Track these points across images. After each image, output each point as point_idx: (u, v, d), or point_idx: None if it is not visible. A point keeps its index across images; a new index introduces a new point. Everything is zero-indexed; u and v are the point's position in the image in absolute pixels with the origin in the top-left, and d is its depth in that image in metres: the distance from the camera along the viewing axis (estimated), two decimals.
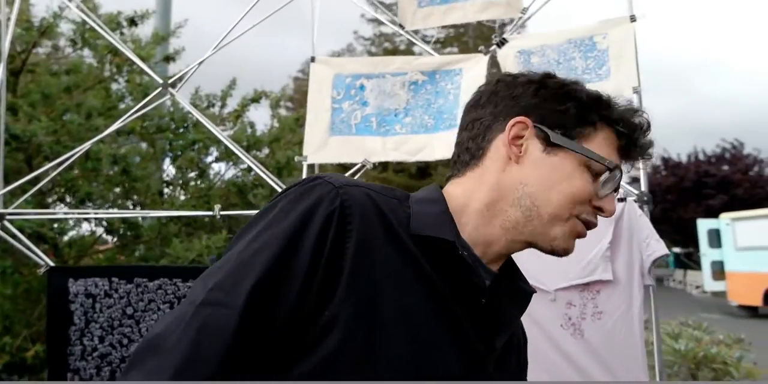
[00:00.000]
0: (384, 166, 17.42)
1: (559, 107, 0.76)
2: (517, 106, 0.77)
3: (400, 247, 0.68)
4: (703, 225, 15.10)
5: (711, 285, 15.11)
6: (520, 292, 0.82)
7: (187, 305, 0.61)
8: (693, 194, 22.47)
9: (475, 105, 0.82)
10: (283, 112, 5.67)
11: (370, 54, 23.07)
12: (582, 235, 0.78)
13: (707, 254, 14.96)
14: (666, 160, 24.65)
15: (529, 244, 0.77)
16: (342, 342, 0.61)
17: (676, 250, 30.52)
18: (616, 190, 0.79)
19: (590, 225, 0.77)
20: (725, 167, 22.95)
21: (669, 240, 29.66)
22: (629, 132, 0.77)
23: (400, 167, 21.77)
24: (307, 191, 0.67)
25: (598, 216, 0.78)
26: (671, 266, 30.79)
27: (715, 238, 14.48)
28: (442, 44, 23.22)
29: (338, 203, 0.65)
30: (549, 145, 0.75)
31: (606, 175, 0.75)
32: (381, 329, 0.64)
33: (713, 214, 16.51)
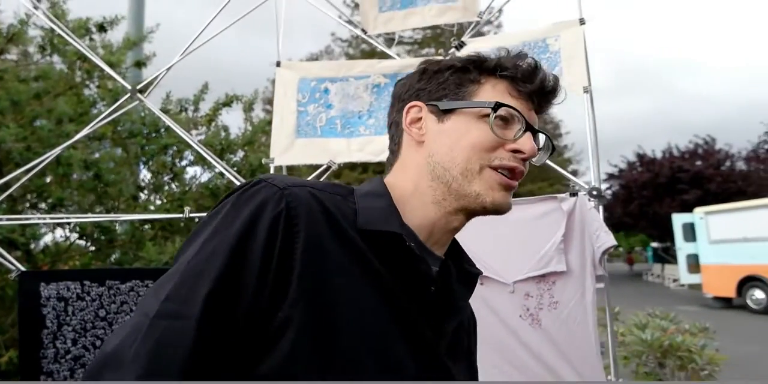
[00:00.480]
0: (364, 167, 17.46)
1: (440, 80, 0.81)
2: (409, 95, 0.83)
3: (347, 244, 0.68)
4: (678, 219, 15.35)
5: (687, 278, 15.36)
6: (467, 274, 0.84)
7: (141, 317, 0.59)
8: (668, 189, 22.89)
9: (390, 111, 0.89)
10: (261, 114, 5.70)
11: (348, 56, 23.12)
12: (507, 185, 0.77)
13: (682, 248, 15.22)
14: (641, 157, 25.09)
15: (465, 212, 0.78)
16: (296, 342, 0.61)
17: (654, 244, 31.05)
18: (531, 130, 0.79)
19: (515, 170, 0.78)
20: (698, 163, 23.42)
21: (646, 235, 30.17)
22: (511, 72, 0.78)
23: (380, 168, 21.87)
24: (251, 195, 0.66)
25: (526, 164, 0.79)
26: (650, 261, 31.30)
27: (690, 231, 14.73)
28: (419, 45, 23.40)
29: (283, 205, 0.65)
30: (442, 114, 0.79)
31: (497, 115, 0.76)
32: (333, 327, 0.64)
33: (688, 208, 16.82)
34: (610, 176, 26.55)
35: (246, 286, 0.61)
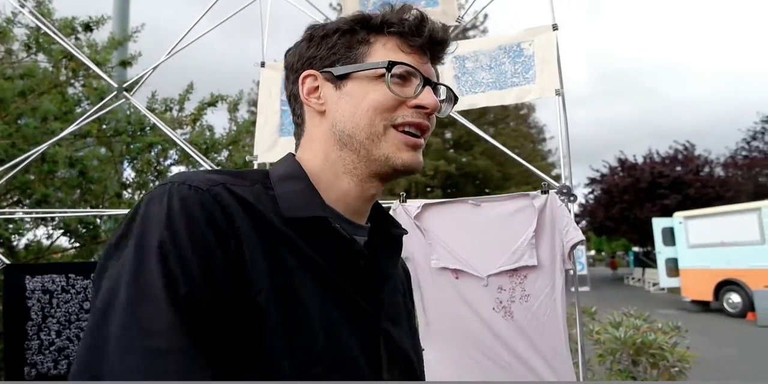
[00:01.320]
0: None
1: (329, 45, 0.78)
2: (302, 65, 0.80)
3: (275, 236, 0.67)
4: (658, 223, 15.57)
5: (666, 281, 15.58)
6: (393, 238, 0.84)
7: (130, 358, 0.53)
8: (648, 194, 23.26)
9: (285, 85, 0.85)
10: (246, 116, 5.75)
11: None
12: (414, 144, 0.77)
13: (662, 252, 15.43)
14: (623, 162, 25.47)
15: (378, 177, 0.78)
16: (256, 340, 0.61)
17: (635, 249, 31.48)
18: (429, 84, 0.78)
19: (421, 126, 0.77)
20: (678, 168, 23.84)
21: (628, 239, 30.59)
22: (398, 28, 0.76)
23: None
24: (174, 199, 0.62)
25: (431, 118, 0.79)
26: (631, 265, 31.70)
27: (669, 236, 14.96)
28: None
29: (202, 213, 0.61)
30: (338, 80, 0.77)
31: (393, 74, 0.75)
32: (286, 324, 0.63)
33: (668, 213, 17.08)
34: (592, 181, 26.90)
35: (204, 303, 0.58)
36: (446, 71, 2.59)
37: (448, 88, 0.85)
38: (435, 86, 0.80)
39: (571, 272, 2.26)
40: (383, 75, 0.75)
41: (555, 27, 2.42)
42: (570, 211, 2.22)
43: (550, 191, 2.22)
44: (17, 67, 3.92)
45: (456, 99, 0.87)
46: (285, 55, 0.85)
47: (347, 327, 0.70)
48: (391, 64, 0.74)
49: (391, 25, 0.76)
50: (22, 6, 2.84)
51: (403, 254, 2.36)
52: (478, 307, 2.28)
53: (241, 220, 0.64)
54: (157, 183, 4.33)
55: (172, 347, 0.55)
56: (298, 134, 0.83)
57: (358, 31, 0.77)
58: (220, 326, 0.59)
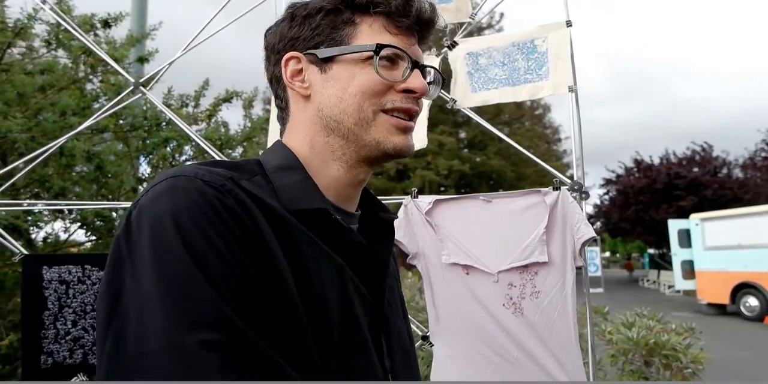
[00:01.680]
0: None
1: (313, 25, 0.75)
2: (284, 46, 0.77)
3: (289, 228, 0.66)
4: (674, 225, 15.44)
5: (682, 284, 15.44)
6: (384, 223, 0.83)
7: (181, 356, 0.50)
8: (665, 196, 23.02)
9: (266, 66, 0.82)
10: (260, 113, 5.80)
11: None
12: (405, 127, 0.75)
13: (678, 254, 15.30)
14: (639, 163, 25.22)
15: (367, 161, 0.76)
16: (288, 326, 0.61)
17: (651, 250, 31.18)
18: (418, 67, 0.76)
19: (410, 111, 0.75)
20: (695, 169, 23.55)
21: (643, 241, 30.28)
22: (384, 8, 0.74)
23: (379, 170, 21.99)
24: (188, 192, 0.58)
25: (420, 102, 0.77)
26: (646, 267, 31.42)
27: (685, 238, 14.82)
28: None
29: (225, 208, 0.59)
30: (323, 63, 0.74)
31: (381, 57, 0.72)
32: (311, 312, 0.63)
33: (684, 215, 16.90)
34: (608, 181, 26.67)
35: (249, 293, 0.57)
36: (459, 67, 2.59)
37: (436, 70, 0.83)
38: (423, 68, 0.78)
39: (583, 269, 2.25)
40: (371, 58, 0.72)
41: (569, 23, 2.41)
42: (582, 209, 2.21)
43: (562, 188, 2.21)
44: (37, 63, 3.99)
45: (443, 81, 0.85)
46: (265, 35, 0.81)
47: (360, 314, 0.70)
48: (379, 47, 0.72)
49: (377, 4, 0.74)
50: (44, 2, 2.89)
51: (414, 249, 2.38)
52: (488, 303, 2.28)
53: (259, 217, 0.62)
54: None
55: (222, 339, 0.52)
56: (283, 118, 0.81)
57: (342, 10, 0.74)
58: (261, 316, 0.57)
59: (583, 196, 2.25)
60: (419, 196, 2.44)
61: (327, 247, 0.69)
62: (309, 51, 0.75)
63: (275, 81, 0.80)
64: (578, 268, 2.20)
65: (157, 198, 0.58)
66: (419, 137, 2.44)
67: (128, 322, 0.52)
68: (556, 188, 2.22)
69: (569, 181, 2.24)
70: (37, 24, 3.83)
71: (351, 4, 0.74)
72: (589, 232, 2.12)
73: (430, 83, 0.83)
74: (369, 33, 0.74)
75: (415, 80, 0.74)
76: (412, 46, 0.76)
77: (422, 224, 2.39)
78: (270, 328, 0.58)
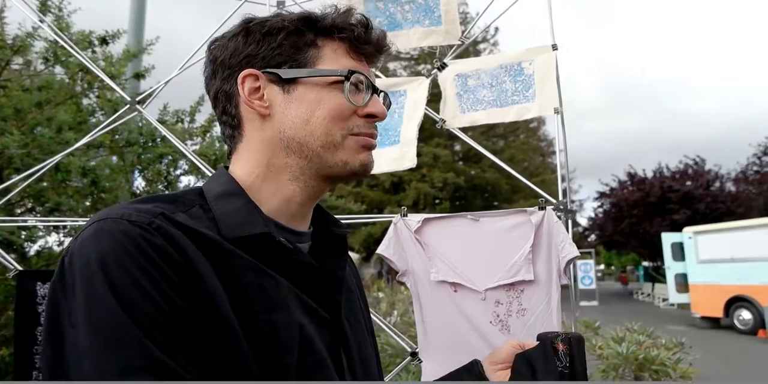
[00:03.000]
0: (358, 181, 17.64)
1: (273, 44, 0.74)
2: (238, 62, 0.75)
3: (227, 257, 0.65)
4: (667, 238, 15.47)
5: (675, 297, 15.44)
6: (337, 238, 0.83)
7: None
8: (658, 209, 23.14)
9: (208, 79, 0.80)
10: None
11: None
12: (369, 145, 0.77)
13: (671, 267, 15.32)
14: (632, 176, 25.38)
15: (330, 180, 0.77)
16: (227, 357, 0.60)
17: (645, 263, 31.21)
18: (377, 91, 0.78)
19: (372, 137, 0.77)
20: (688, 183, 23.71)
21: (637, 254, 30.35)
22: (348, 33, 0.75)
23: (374, 182, 22.05)
24: (111, 238, 0.58)
25: (376, 125, 0.78)
26: (641, 280, 31.41)
27: (679, 251, 14.85)
28: (416, 61, 23.74)
29: (151, 247, 0.58)
30: (285, 83, 0.74)
31: (350, 83, 0.74)
32: (257, 340, 0.63)
33: (677, 228, 16.97)
34: (602, 194, 26.79)
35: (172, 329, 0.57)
36: (448, 88, 2.66)
37: (386, 95, 0.85)
38: (379, 93, 0.80)
39: (569, 286, 2.29)
40: (338, 82, 0.74)
41: (555, 47, 2.49)
42: (569, 229, 2.26)
43: (547, 208, 2.27)
44: (35, 79, 4.05)
45: (390, 104, 0.87)
46: (209, 47, 0.79)
47: (315, 333, 0.70)
48: (350, 73, 0.74)
49: (341, 30, 0.75)
50: (42, 21, 2.95)
51: (404, 267, 2.43)
52: (476, 321, 2.32)
53: (190, 249, 0.61)
54: (167, 193, 4.41)
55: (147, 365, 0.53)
56: (233, 137, 0.79)
57: (305, 32, 0.75)
58: (195, 350, 0.58)
59: (569, 215, 2.30)
60: (409, 215, 2.48)
61: (272, 271, 0.68)
62: (269, 70, 0.74)
63: (223, 97, 0.77)
64: (564, 286, 2.25)
65: (84, 243, 0.58)
66: (408, 157, 2.50)
67: (69, 372, 0.54)
68: (542, 208, 2.27)
69: (554, 201, 2.30)
70: (36, 40, 3.89)
71: (314, 27, 0.75)
72: (573, 251, 2.17)
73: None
74: (333, 57, 0.75)
75: (376, 105, 0.77)
76: (369, 71, 0.79)
77: (411, 242, 2.43)
78: (207, 359, 0.58)
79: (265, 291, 0.66)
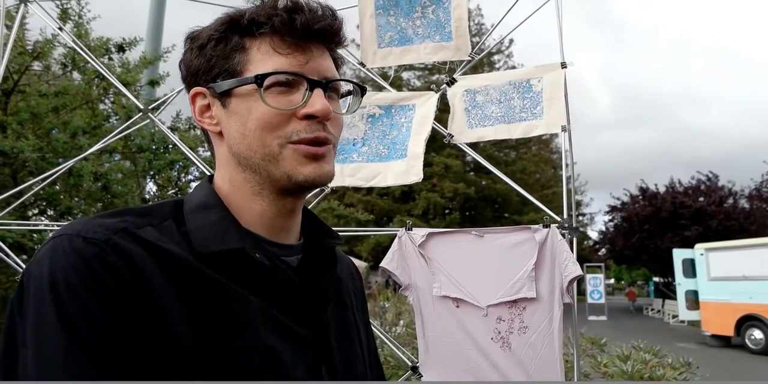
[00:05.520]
0: (368, 190, 17.68)
1: (206, 56, 0.70)
2: (189, 80, 0.72)
3: (190, 277, 0.61)
4: (678, 255, 15.32)
5: (686, 314, 15.26)
6: (326, 250, 0.78)
7: None
8: (670, 224, 22.89)
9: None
10: None
11: None
12: (314, 154, 0.68)
13: (682, 283, 15.15)
14: (644, 191, 25.17)
15: (290, 193, 0.71)
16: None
17: (656, 279, 30.86)
18: (319, 85, 0.68)
19: (318, 140, 0.68)
20: (701, 199, 23.46)
21: (648, 269, 30.02)
22: (266, 27, 0.67)
23: (384, 191, 22.07)
24: (63, 255, 0.56)
25: (326, 126, 0.69)
26: (651, 296, 31.06)
27: (690, 267, 14.70)
28: (429, 71, 23.81)
29: (102, 266, 0.56)
30: (222, 97, 0.69)
31: (272, 85, 0.67)
32: (214, 364, 0.59)
33: (689, 244, 16.78)
34: (613, 208, 26.58)
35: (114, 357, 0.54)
36: (457, 103, 2.67)
37: (353, 82, 0.75)
38: (327, 85, 0.70)
39: (572, 305, 2.29)
40: (259, 89, 0.66)
41: (564, 65, 2.50)
42: (573, 248, 2.26)
43: (552, 226, 2.27)
44: (52, 85, 4.12)
45: (364, 90, 0.77)
46: (179, 67, 0.75)
47: (290, 355, 0.66)
48: (260, 78, 0.66)
49: (259, 25, 0.67)
50: (61, 29, 3.02)
51: (407, 281, 2.43)
52: (477, 337, 2.32)
53: (149, 267, 0.58)
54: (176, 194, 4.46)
55: None
56: (211, 152, 0.76)
57: (230, 37, 0.69)
58: (138, 373, 0.55)
59: (573, 234, 2.30)
60: (413, 229, 2.49)
61: (245, 290, 0.64)
62: (209, 85, 0.70)
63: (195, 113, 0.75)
64: (566, 304, 2.24)
65: (39, 261, 0.57)
66: (415, 171, 2.51)
67: None
68: (546, 225, 2.27)
69: (559, 219, 2.30)
70: (55, 47, 3.97)
71: (237, 29, 0.69)
72: (576, 270, 2.16)
73: (348, 94, 0.76)
74: (259, 58, 0.67)
75: (316, 103, 0.67)
76: (310, 63, 0.69)
77: (415, 256, 2.44)
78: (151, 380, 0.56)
79: (230, 313, 0.62)
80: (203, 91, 0.71)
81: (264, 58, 0.67)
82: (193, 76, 0.71)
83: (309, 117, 0.67)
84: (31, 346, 0.54)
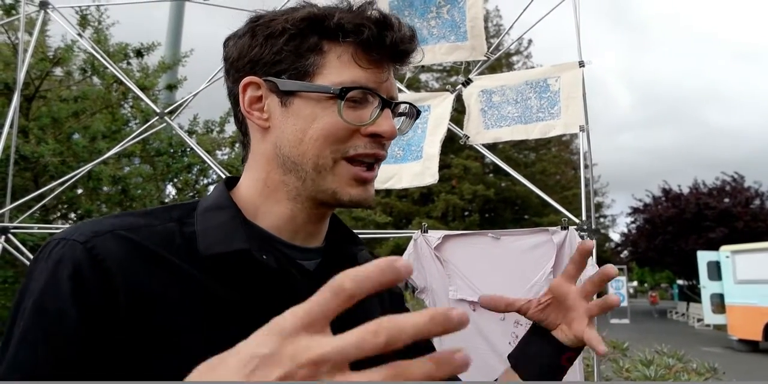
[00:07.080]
0: (387, 191, 17.65)
1: (275, 48, 0.66)
2: (243, 65, 0.69)
3: (178, 280, 0.60)
4: (703, 257, 15.03)
5: (711, 318, 14.94)
6: (350, 257, 0.74)
7: None
8: (694, 226, 22.46)
9: (225, 77, 0.73)
10: None
11: None
12: (364, 179, 0.68)
13: (707, 287, 14.84)
14: (667, 192, 24.75)
15: (326, 206, 0.70)
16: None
17: (680, 282, 30.28)
18: (389, 106, 0.67)
19: (376, 156, 0.68)
20: (726, 200, 22.98)
21: (672, 271, 29.45)
22: (355, 36, 0.64)
23: (403, 193, 22.03)
24: (47, 258, 0.57)
25: (385, 145, 0.68)
26: (675, 298, 30.48)
27: (715, 270, 14.40)
28: (448, 72, 23.75)
29: (86, 261, 0.56)
30: (284, 95, 0.66)
31: (349, 99, 0.65)
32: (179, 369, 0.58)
33: (714, 247, 16.44)
34: (635, 210, 26.17)
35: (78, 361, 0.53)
36: (473, 103, 2.64)
37: (411, 106, 0.75)
38: (395, 106, 0.70)
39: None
40: (336, 97, 0.65)
41: (581, 64, 2.45)
42: (593, 249, 2.21)
43: (570, 228, 2.22)
44: (73, 90, 4.19)
45: (419, 114, 0.77)
46: (224, 44, 0.72)
47: None
48: (344, 91, 0.64)
49: (347, 33, 0.64)
50: (80, 35, 3.06)
51: (422, 284, 2.41)
52: (495, 341, 2.28)
53: (124, 270, 0.57)
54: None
55: None
56: (244, 145, 0.73)
57: (308, 35, 0.66)
58: (95, 375, 0.54)
59: (593, 236, 2.25)
60: (429, 231, 2.47)
61: (248, 294, 0.62)
62: (269, 78, 0.67)
63: (233, 100, 0.72)
64: None
65: (33, 266, 0.59)
66: (430, 173, 2.49)
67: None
68: (564, 227, 2.23)
69: (577, 220, 2.25)
70: (75, 53, 4.03)
71: (318, 29, 0.65)
72: None
73: (402, 115, 0.76)
74: (337, 65, 0.65)
75: (384, 123, 0.66)
76: (384, 82, 0.67)
77: (431, 259, 2.41)
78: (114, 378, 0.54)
79: (223, 322, 0.60)
80: (259, 82, 0.67)
81: (341, 67, 0.65)
82: (249, 64, 0.68)
83: (374, 135, 0.66)
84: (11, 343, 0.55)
